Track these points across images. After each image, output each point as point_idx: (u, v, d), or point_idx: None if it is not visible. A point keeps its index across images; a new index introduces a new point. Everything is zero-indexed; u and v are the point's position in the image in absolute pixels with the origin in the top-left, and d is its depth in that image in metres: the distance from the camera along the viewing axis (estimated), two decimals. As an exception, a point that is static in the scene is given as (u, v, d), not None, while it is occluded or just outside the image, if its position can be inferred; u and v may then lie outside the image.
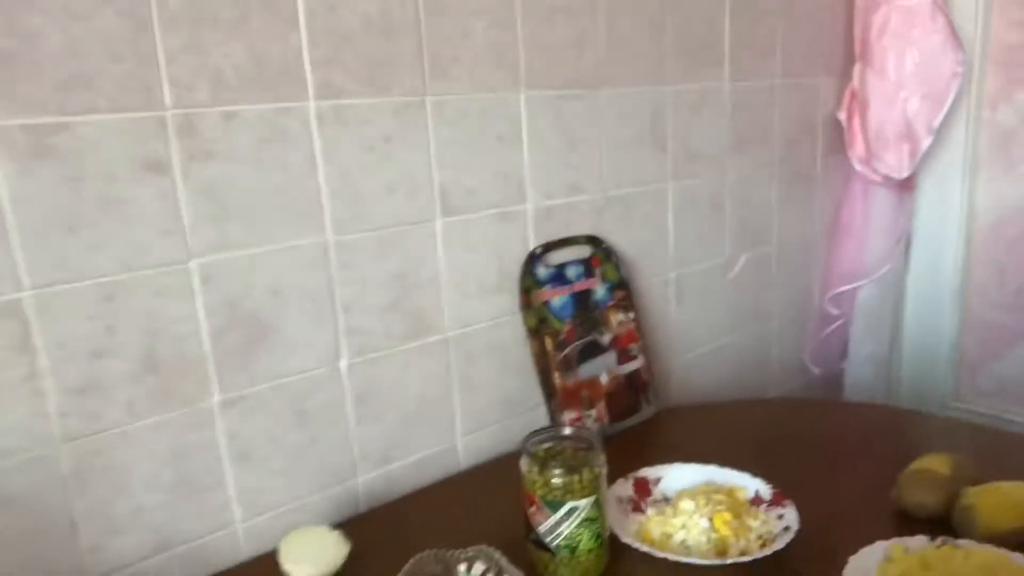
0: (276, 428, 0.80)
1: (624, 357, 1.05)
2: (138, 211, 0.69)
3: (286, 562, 0.71)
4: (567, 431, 0.73)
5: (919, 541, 0.68)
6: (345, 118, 0.81)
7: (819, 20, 1.32)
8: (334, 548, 0.72)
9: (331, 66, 0.79)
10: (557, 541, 0.68)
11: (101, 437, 0.69)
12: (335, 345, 0.84)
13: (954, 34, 1.24)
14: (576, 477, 0.68)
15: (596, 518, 0.69)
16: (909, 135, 1.27)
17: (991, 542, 0.67)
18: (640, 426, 1.05)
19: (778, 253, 1.34)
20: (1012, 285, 1.32)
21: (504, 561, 0.64)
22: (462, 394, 0.95)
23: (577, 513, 0.68)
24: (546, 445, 0.72)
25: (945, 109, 1.25)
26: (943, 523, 0.73)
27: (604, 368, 1.02)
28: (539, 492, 0.68)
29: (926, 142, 1.27)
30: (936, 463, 0.76)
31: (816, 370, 1.39)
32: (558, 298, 1.00)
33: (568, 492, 0.68)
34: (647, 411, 1.06)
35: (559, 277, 1.00)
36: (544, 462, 0.69)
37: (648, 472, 0.84)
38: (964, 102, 1.30)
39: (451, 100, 0.89)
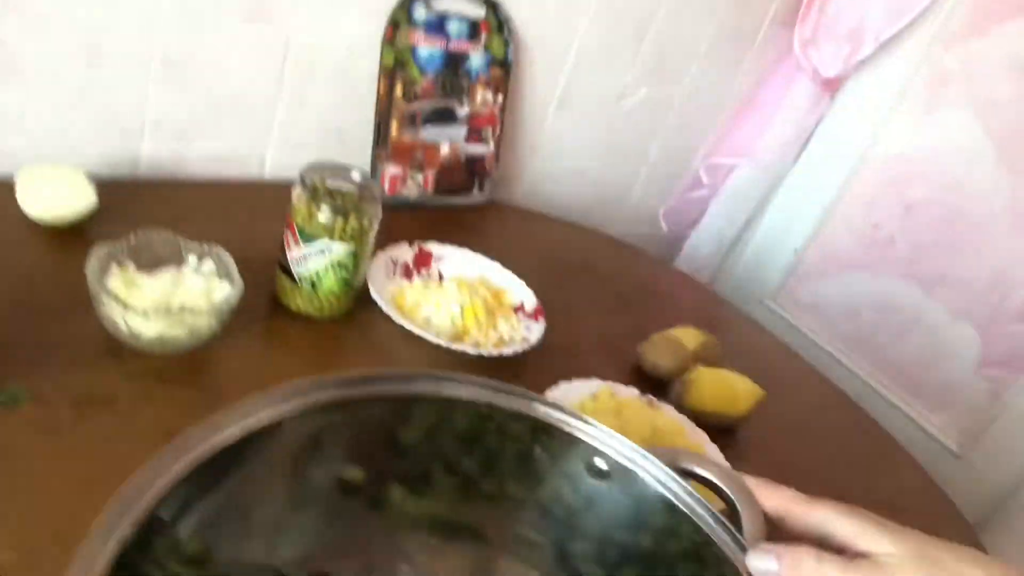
0: (63, 54, 0.72)
1: (475, 137, 1.00)
2: None
3: (22, 195, 0.67)
4: (355, 175, 0.70)
5: (629, 391, 0.72)
6: None
7: None
8: (77, 194, 0.68)
9: None
10: (301, 272, 0.67)
11: None
12: (157, -3, 0.74)
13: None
14: (341, 220, 0.66)
15: (348, 266, 0.68)
16: (855, 37, 1.21)
17: (692, 417, 0.72)
18: (465, 209, 1.03)
19: (682, 102, 1.28)
20: (873, 218, 1.34)
21: (234, 269, 0.63)
22: (289, 106, 0.89)
23: (329, 254, 0.66)
24: (327, 181, 0.68)
25: (899, 26, 1.19)
26: (668, 388, 0.77)
27: (449, 139, 0.98)
28: (299, 221, 0.66)
29: (867, 50, 1.21)
30: (687, 336, 0.80)
31: (665, 227, 1.41)
32: (428, 48, 0.92)
33: (327, 231, 0.66)
34: (476, 197, 1.04)
35: (438, 26, 0.92)
36: (315, 195, 0.66)
37: (435, 247, 0.83)
38: (924, 30, 1.23)
39: None
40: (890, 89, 1.29)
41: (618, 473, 0.42)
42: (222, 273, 0.63)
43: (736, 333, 1.02)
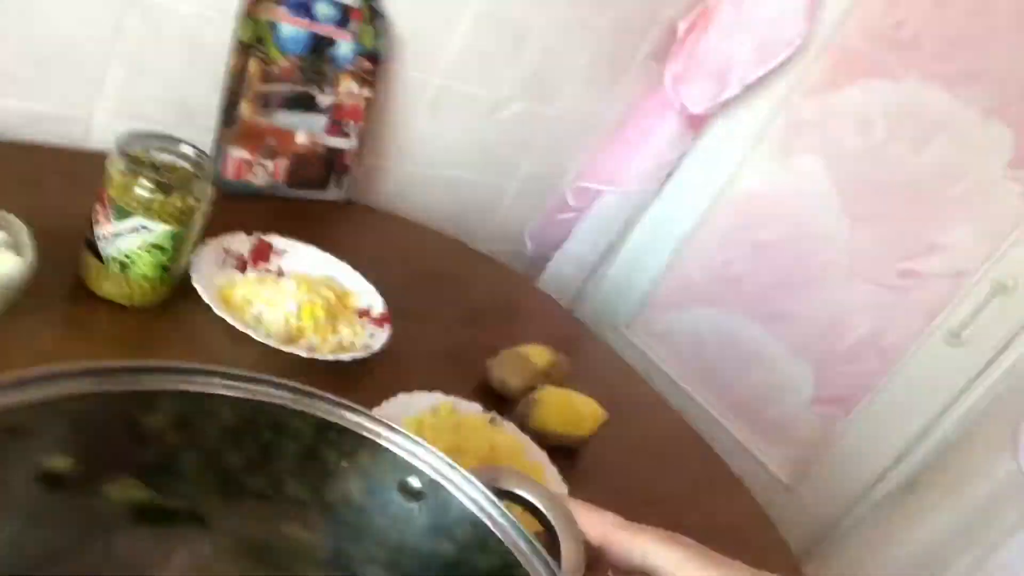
0: None
1: (336, 129, 0.95)
2: None
3: None
4: (186, 149, 0.63)
5: (472, 407, 0.68)
6: None
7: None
8: None
9: None
10: (110, 252, 0.59)
11: None
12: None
13: (812, 8, 1.22)
14: (163, 197, 0.58)
15: (167, 249, 0.61)
16: (722, 78, 1.25)
17: (535, 436, 0.70)
18: (320, 204, 0.97)
19: (555, 121, 1.28)
20: (724, 255, 1.39)
21: (26, 241, 0.54)
22: (127, 70, 0.80)
23: (145, 234, 0.59)
24: (152, 153, 0.61)
25: (762, 71, 1.24)
26: (513, 406, 0.74)
27: (307, 127, 0.92)
28: (113, 194, 0.58)
29: (731, 91, 1.26)
30: (537, 354, 0.78)
31: (529, 246, 1.40)
32: (292, 28, 0.86)
33: (145, 208, 0.58)
34: (333, 193, 0.98)
35: (304, 6, 0.86)
36: (138, 167, 0.58)
37: (277, 240, 0.77)
38: (785, 79, 1.30)
39: None
40: (750, 131, 1.35)
41: (426, 489, 0.37)
42: (10, 245, 0.54)
43: (587, 356, 1.01)
